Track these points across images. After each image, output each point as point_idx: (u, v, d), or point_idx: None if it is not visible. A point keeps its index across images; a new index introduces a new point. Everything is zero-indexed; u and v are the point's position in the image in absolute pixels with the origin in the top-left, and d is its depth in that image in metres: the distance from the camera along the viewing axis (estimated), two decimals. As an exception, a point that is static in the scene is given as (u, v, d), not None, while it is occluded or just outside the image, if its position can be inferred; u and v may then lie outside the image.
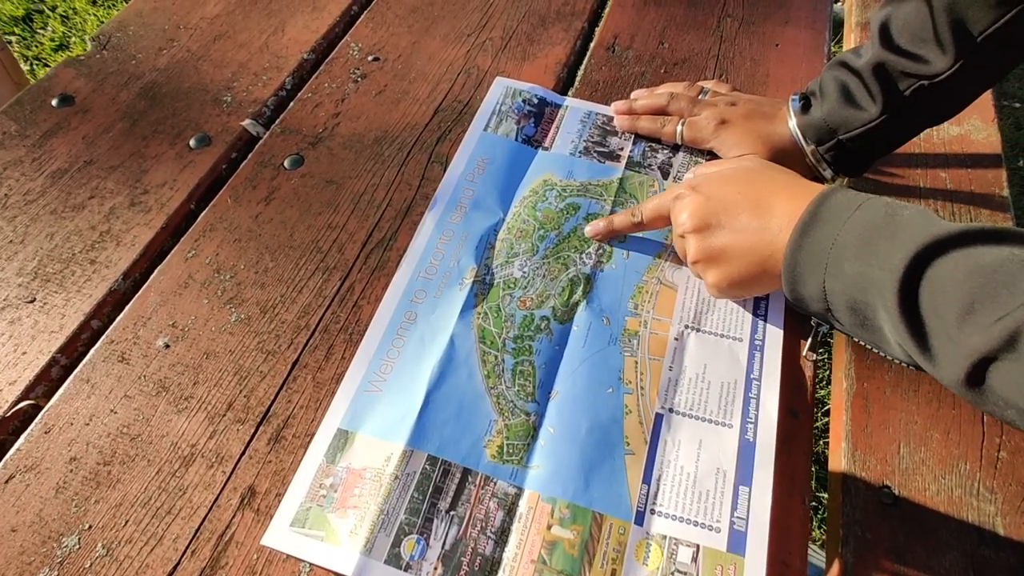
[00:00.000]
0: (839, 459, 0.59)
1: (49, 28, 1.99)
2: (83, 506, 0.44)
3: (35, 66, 1.88)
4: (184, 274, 0.55)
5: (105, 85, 0.68)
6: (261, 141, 0.64)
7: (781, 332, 0.53)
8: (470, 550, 0.43)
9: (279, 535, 0.43)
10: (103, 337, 0.51)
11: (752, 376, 0.51)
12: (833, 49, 0.79)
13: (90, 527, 0.43)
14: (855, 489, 0.56)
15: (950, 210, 0.79)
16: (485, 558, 0.43)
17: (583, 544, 0.43)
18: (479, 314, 0.53)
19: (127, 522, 0.43)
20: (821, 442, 1.18)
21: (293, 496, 0.44)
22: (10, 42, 1.92)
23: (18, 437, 0.47)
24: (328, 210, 0.59)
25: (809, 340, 0.53)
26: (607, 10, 0.80)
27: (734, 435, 0.48)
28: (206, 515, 0.44)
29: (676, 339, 0.52)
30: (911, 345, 0.38)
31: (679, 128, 0.63)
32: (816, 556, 0.93)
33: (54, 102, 0.66)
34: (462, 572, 0.42)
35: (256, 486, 0.45)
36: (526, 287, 0.55)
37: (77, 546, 0.42)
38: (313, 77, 0.70)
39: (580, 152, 0.64)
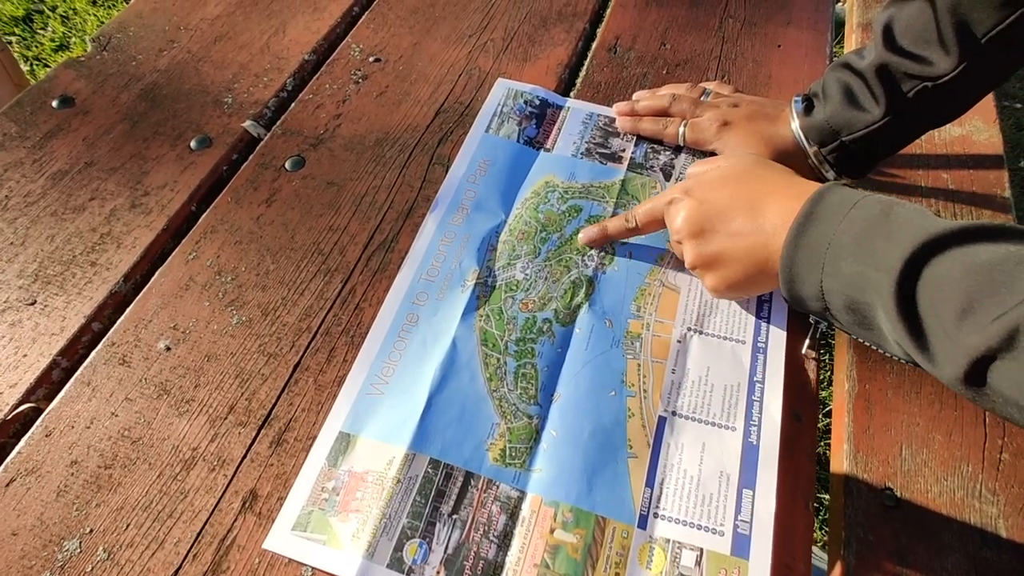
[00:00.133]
0: (841, 461, 0.59)
1: (49, 28, 1.98)
2: (84, 510, 0.44)
3: (35, 66, 1.88)
4: (185, 276, 0.54)
5: (105, 86, 0.68)
6: (262, 142, 0.64)
7: (784, 334, 0.53)
8: (473, 554, 0.43)
9: (281, 539, 0.43)
10: (104, 339, 0.51)
11: (755, 379, 0.50)
12: (834, 50, 0.78)
13: (91, 531, 0.43)
14: (857, 491, 0.56)
15: (952, 211, 0.79)
16: (488, 562, 0.43)
17: (586, 548, 0.43)
18: (481, 316, 0.53)
19: (128, 526, 0.43)
20: (822, 443, 1.18)
21: (295, 500, 0.44)
22: (10, 42, 1.92)
23: (19, 440, 0.47)
24: (329, 212, 0.59)
25: (808, 337, 0.53)
26: (609, 11, 0.80)
27: (737, 438, 0.48)
28: (207, 519, 0.44)
29: (679, 341, 0.52)
30: (909, 344, 0.38)
31: (681, 130, 0.63)
32: (818, 558, 0.93)
33: (54, 103, 0.66)
34: (465, 576, 0.42)
35: (258, 490, 0.45)
36: (528, 289, 0.54)
37: (78, 550, 0.42)
38: (314, 78, 0.70)
39: (582, 154, 0.64)
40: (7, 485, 0.45)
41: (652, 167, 0.63)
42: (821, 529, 1.13)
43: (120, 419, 0.47)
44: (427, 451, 0.46)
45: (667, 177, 0.62)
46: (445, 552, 0.43)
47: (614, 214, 0.59)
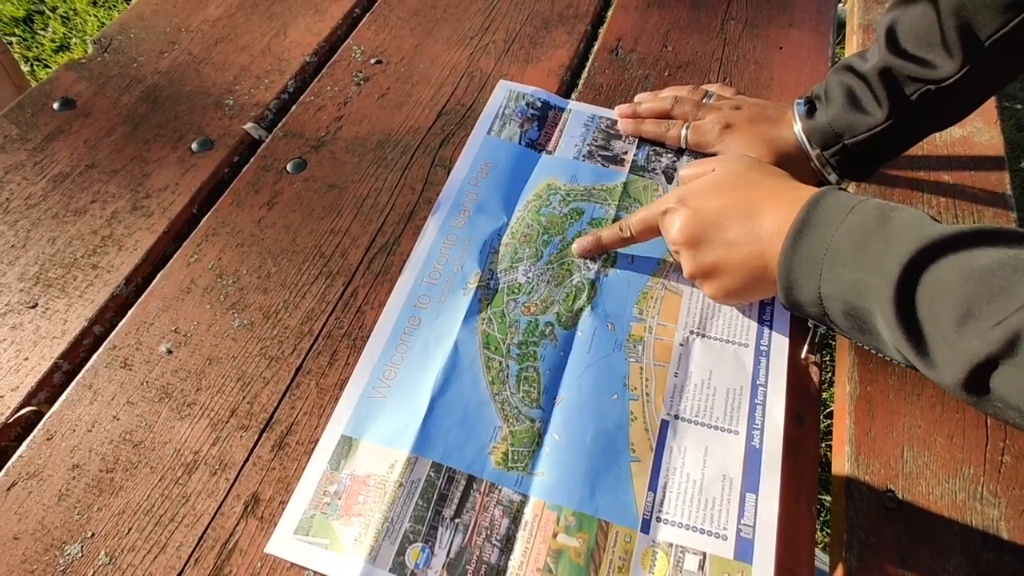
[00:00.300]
0: (842, 463, 0.59)
1: (50, 29, 1.98)
2: (86, 513, 0.44)
3: (35, 67, 1.88)
4: (186, 279, 0.54)
5: (106, 88, 0.67)
6: (263, 145, 0.64)
7: (787, 338, 0.53)
8: (475, 558, 0.43)
9: (283, 543, 0.43)
10: (105, 343, 0.51)
11: (758, 382, 0.50)
12: (836, 51, 0.78)
13: (93, 535, 0.43)
14: (859, 493, 0.56)
15: (953, 212, 0.79)
16: (490, 566, 0.42)
17: (589, 552, 0.43)
18: (483, 319, 0.53)
19: (130, 530, 0.43)
20: (823, 445, 1.18)
21: (297, 503, 0.44)
22: (11, 43, 1.92)
23: (20, 444, 0.46)
24: (331, 214, 0.59)
25: (807, 342, 0.53)
26: (610, 13, 0.80)
27: (740, 442, 0.48)
28: (209, 523, 0.44)
29: (681, 345, 0.52)
30: (909, 350, 0.38)
31: (683, 132, 0.63)
32: (819, 560, 0.93)
33: (55, 105, 0.65)
34: (467, 580, 0.42)
35: (260, 493, 0.45)
36: (530, 292, 0.54)
37: (80, 554, 0.42)
38: (315, 80, 0.70)
39: (584, 156, 0.64)
40: (8, 489, 0.44)
41: (654, 170, 0.63)
42: (822, 531, 1.13)
43: (122, 422, 0.47)
44: (429, 455, 0.46)
45: (669, 180, 0.62)
46: (447, 556, 0.43)
47: (616, 217, 0.59)
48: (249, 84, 0.69)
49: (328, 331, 0.52)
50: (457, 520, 0.44)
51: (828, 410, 1.08)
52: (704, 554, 0.43)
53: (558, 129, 0.66)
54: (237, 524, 0.44)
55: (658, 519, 0.44)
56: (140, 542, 0.43)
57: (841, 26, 1.10)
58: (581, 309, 0.54)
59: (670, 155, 0.64)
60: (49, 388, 0.49)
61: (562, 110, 0.68)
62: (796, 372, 0.52)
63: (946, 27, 0.50)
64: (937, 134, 0.78)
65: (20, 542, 0.43)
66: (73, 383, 0.49)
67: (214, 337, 0.51)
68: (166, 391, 0.49)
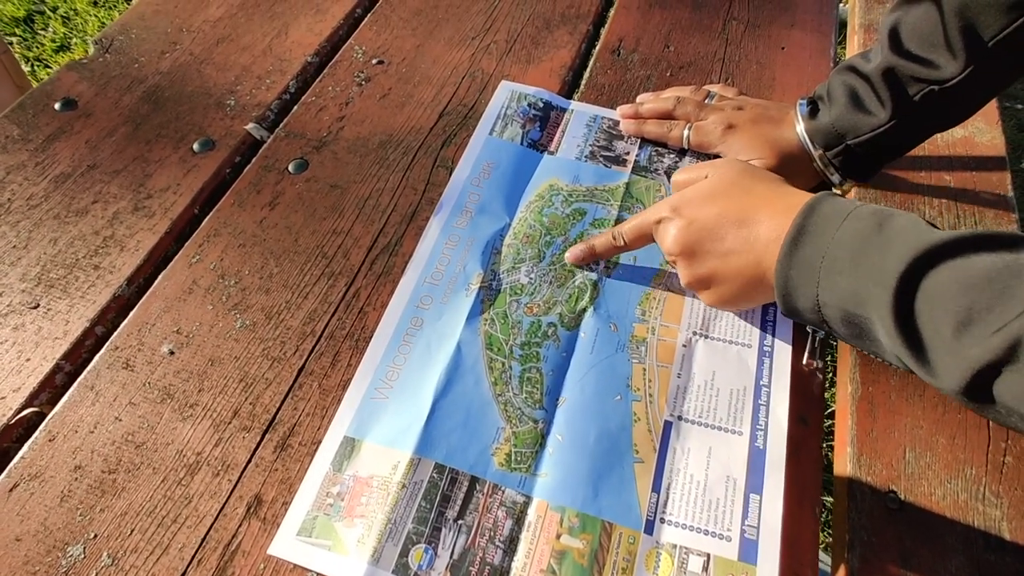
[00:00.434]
0: (844, 463, 0.59)
1: (50, 29, 1.98)
2: (88, 515, 0.44)
3: (36, 67, 1.88)
4: (188, 280, 0.54)
5: (108, 89, 0.67)
6: (265, 145, 0.64)
7: (790, 338, 0.53)
8: (479, 559, 0.43)
9: (286, 544, 0.43)
10: (107, 343, 0.51)
11: (761, 383, 0.50)
12: (837, 51, 0.78)
13: (95, 536, 0.43)
14: (860, 494, 0.56)
15: (955, 213, 0.79)
16: (494, 568, 0.42)
17: (592, 554, 0.43)
18: (486, 320, 0.53)
19: (132, 531, 0.43)
20: (824, 445, 1.18)
21: (300, 505, 0.44)
22: (11, 43, 1.91)
23: (22, 445, 0.46)
24: (333, 215, 0.59)
25: (808, 347, 0.53)
26: (612, 13, 0.80)
27: (744, 442, 0.47)
28: (212, 524, 0.44)
29: (684, 346, 0.52)
30: (909, 357, 0.38)
31: (686, 132, 0.63)
32: (821, 561, 0.92)
33: (57, 106, 0.65)
34: (471, 582, 0.42)
35: (262, 495, 0.45)
36: (533, 293, 0.54)
37: (82, 556, 0.42)
38: (317, 80, 0.70)
39: (586, 157, 0.64)
40: (10, 490, 0.44)
41: (656, 170, 0.63)
42: (824, 532, 1.13)
43: (124, 423, 0.47)
44: (432, 456, 0.46)
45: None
46: (451, 558, 0.43)
47: (619, 218, 0.59)
48: (251, 84, 0.69)
49: (330, 332, 0.52)
50: (460, 521, 0.44)
51: (829, 410, 1.08)
52: (708, 555, 0.43)
53: (560, 130, 0.66)
54: (240, 525, 0.44)
55: (662, 520, 0.44)
56: (143, 543, 0.43)
57: (842, 26, 1.10)
58: (584, 310, 0.54)
59: (672, 155, 0.64)
60: (51, 389, 0.49)
61: (564, 110, 0.67)
62: (799, 373, 0.52)
63: (949, 27, 0.50)
64: (938, 135, 0.78)
65: (22, 543, 0.42)
66: (75, 384, 0.49)
67: (216, 338, 0.51)
68: (168, 392, 0.49)
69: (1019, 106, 1.85)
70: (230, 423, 0.47)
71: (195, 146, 0.63)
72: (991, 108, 0.89)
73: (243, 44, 0.73)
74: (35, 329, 0.51)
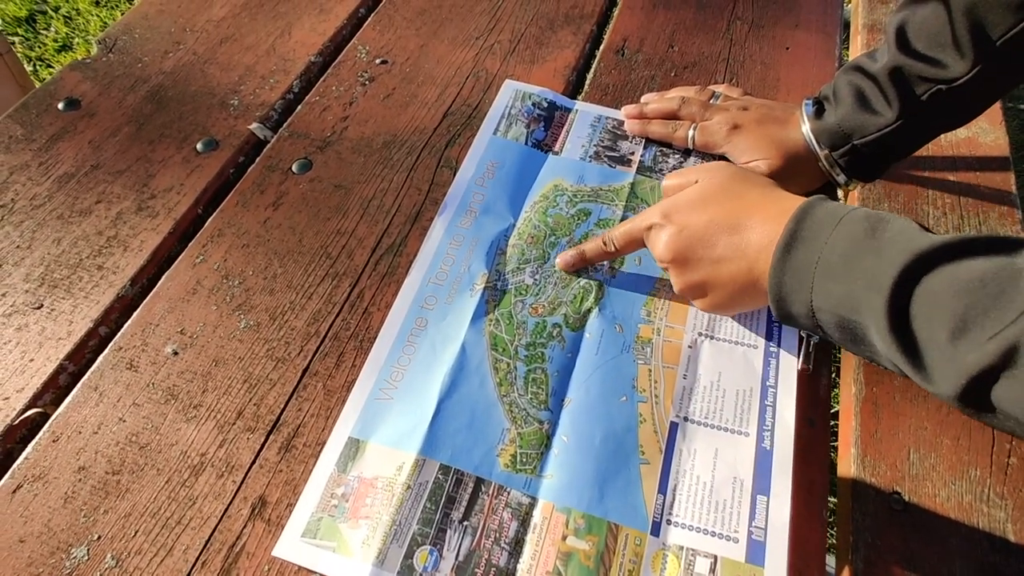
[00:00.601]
0: (848, 465, 0.59)
1: (52, 29, 1.98)
2: (92, 516, 0.43)
3: (38, 67, 1.88)
4: (192, 280, 0.54)
5: (111, 88, 0.67)
6: (269, 145, 0.64)
7: (796, 339, 0.53)
8: (484, 561, 0.42)
9: (290, 546, 0.43)
10: (111, 344, 0.51)
11: (768, 383, 0.50)
12: (842, 51, 0.78)
13: (99, 537, 0.43)
14: (865, 495, 0.56)
15: (959, 213, 0.79)
16: (499, 569, 0.42)
17: (599, 555, 0.43)
18: (491, 321, 0.52)
19: (136, 532, 0.43)
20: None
21: (304, 506, 0.44)
22: (13, 43, 1.91)
23: (26, 446, 0.46)
24: (337, 215, 0.59)
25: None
26: (616, 13, 0.80)
27: (751, 443, 0.47)
28: (216, 525, 0.43)
29: (690, 347, 0.52)
30: (904, 362, 0.38)
31: (691, 133, 0.62)
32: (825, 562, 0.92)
33: (60, 106, 0.65)
34: (476, 584, 0.42)
35: (267, 496, 0.45)
36: (538, 294, 0.54)
37: (86, 557, 0.42)
38: (320, 80, 0.69)
39: (591, 157, 0.64)
40: (14, 491, 0.44)
41: (661, 170, 0.63)
42: (828, 533, 1.13)
43: (128, 424, 0.47)
44: (437, 457, 0.46)
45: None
46: (456, 559, 0.42)
47: (623, 218, 0.59)
48: (254, 84, 0.69)
49: (335, 332, 0.52)
50: (465, 523, 0.44)
51: (833, 411, 1.08)
52: (715, 557, 0.43)
53: (564, 130, 0.66)
54: (244, 527, 0.43)
55: (668, 522, 0.44)
56: (147, 545, 0.42)
57: (845, 26, 1.10)
58: (589, 311, 0.53)
59: (677, 156, 0.64)
60: (55, 390, 0.49)
61: (568, 110, 0.67)
62: (806, 374, 0.52)
63: (957, 27, 0.50)
64: (942, 135, 0.78)
65: (26, 545, 0.42)
66: (79, 385, 0.49)
67: (220, 338, 0.51)
68: (172, 393, 0.49)
69: (1022, 106, 1.85)
70: (234, 424, 0.47)
71: (199, 146, 0.63)
72: (995, 109, 0.89)
73: (247, 44, 0.73)
74: (39, 329, 0.51)
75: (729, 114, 0.61)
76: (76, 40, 1.96)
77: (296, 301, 0.53)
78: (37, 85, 0.81)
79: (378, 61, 0.71)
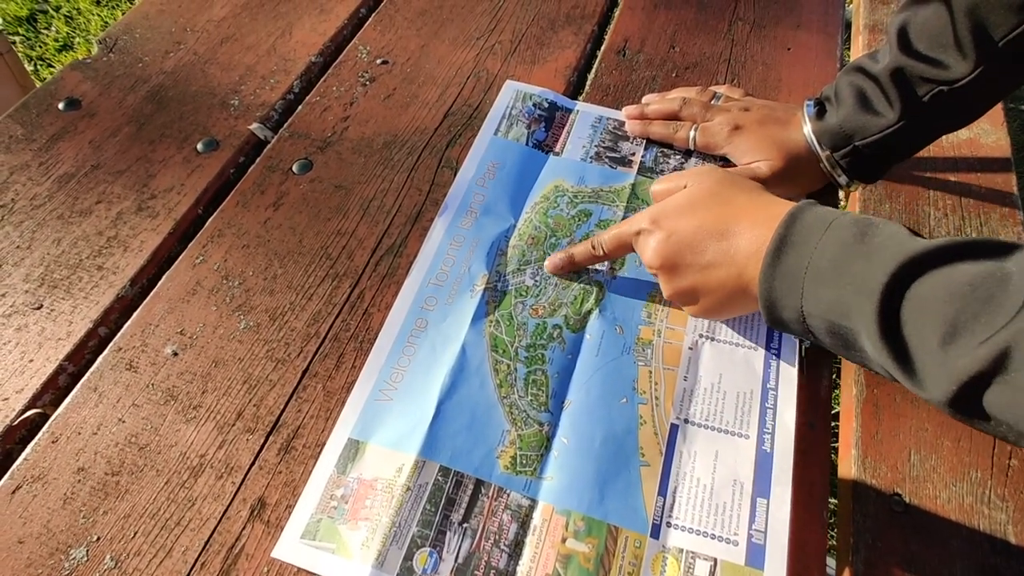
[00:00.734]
0: (849, 466, 0.58)
1: (53, 28, 1.98)
2: (91, 517, 0.43)
3: (39, 66, 1.88)
4: (192, 280, 0.54)
5: (112, 88, 0.67)
6: (269, 145, 0.64)
7: (797, 341, 0.52)
8: (483, 563, 0.42)
9: (289, 548, 0.42)
10: (111, 344, 0.51)
11: (768, 386, 0.50)
12: (843, 52, 0.78)
13: (98, 539, 0.43)
14: (865, 497, 0.55)
15: (960, 214, 0.79)
16: (499, 572, 0.42)
17: (598, 558, 0.43)
18: (491, 322, 0.52)
19: (136, 534, 0.43)
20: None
21: (304, 508, 0.44)
22: (14, 42, 1.91)
23: (25, 446, 0.46)
24: (337, 216, 0.59)
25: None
26: (617, 13, 0.80)
27: (751, 446, 0.47)
28: (215, 527, 0.43)
29: (690, 348, 0.52)
30: (895, 367, 0.38)
31: (692, 134, 0.62)
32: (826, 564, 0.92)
33: (60, 106, 0.65)
34: (476, 586, 0.42)
35: (266, 497, 0.45)
36: (538, 295, 0.54)
37: (85, 558, 0.42)
38: (321, 80, 0.69)
39: (591, 157, 0.63)
40: (13, 492, 0.44)
41: (662, 171, 0.63)
42: (828, 534, 1.13)
43: (127, 425, 0.47)
44: (437, 458, 0.46)
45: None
46: (456, 561, 0.42)
47: (624, 218, 0.59)
48: (255, 84, 0.69)
49: (335, 333, 0.52)
50: (465, 525, 0.44)
51: (834, 412, 1.08)
52: (715, 560, 0.43)
53: (565, 130, 0.66)
54: (243, 528, 0.43)
55: (668, 524, 0.44)
56: (146, 546, 0.42)
57: (847, 26, 1.10)
58: (589, 312, 0.53)
59: (678, 156, 0.64)
60: (54, 390, 0.49)
61: (569, 111, 0.67)
62: (807, 376, 0.52)
63: (959, 27, 0.50)
64: (944, 136, 0.78)
65: (25, 546, 0.42)
66: (78, 385, 0.49)
67: (220, 339, 0.51)
68: (172, 394, 0.48)
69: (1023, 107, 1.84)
70: (234, 425, 0.47)
71: (199, 146, 0.63)
72: (996, 110, 0.89)
73: (247, 44, 0.72)
74: (38, 330, 0.51)
75: (730, 115, 0.61)
76: (77, 40, 1.96)
77: (296, 302, 0.53)
78: (38, 85, 0.81)
79: (379, 61, 0.71)
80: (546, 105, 0.67)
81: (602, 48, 0.75)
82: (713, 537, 0.44)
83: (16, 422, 0.47)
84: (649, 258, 0.49)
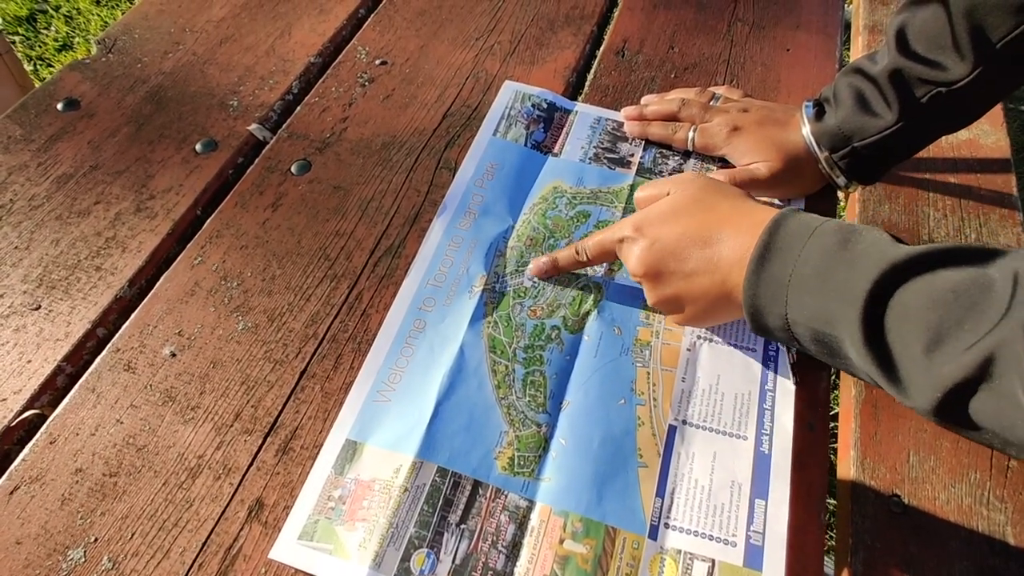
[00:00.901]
0: (848, 467, 0.58)
1: (53, 28, 1.98)
2: (89, 518, 0.43)
3: (39, 66, 1.88)
4: (190, 281, 0.54)
5: (111, 89, 0.67)
6: (268, 146, 0.64)
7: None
8: (481, 564, 0.42)
9: (287, 549, 0.42)
10: (109, 345, 0.51)
11: (767, 387, 0.50)
12: (843, 53, 0.78)
13: (96, 540, 0.43)
14: (864, 498, 0.55)
15: (959, 215, 0.79)
16: (496, 573, 0.42)
17: (596, 559, 0.43)
18: (489, 323, 0.52)
19: (133, 535, 0.43)
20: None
21: (301, 509, 0.44)
22: (14, 42, 1.91)
23: (23, 447, 0.46)
24: (336, 217, 0.59)
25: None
26: (616, 14, 0.79)
27: (749, 447, 0.47)
28: (213, 528, 0.43)
29: (688, 349, 0.52)
30: (880, 375, 0.38)
31: (691, 135, 0.62)
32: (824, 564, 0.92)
33: (59, 106, 0.65)
34: (473, 587, 0.42)
35: (264, 498, 0.45)
36: (536, 296, 0.54)
37: (83, 559, 0.42)
38: (320, 81, 0.69)
39: (590, 158, 0.63)
40: (11, 493, 0.44)
41: (661, 172, 0.63)
42: (827, 535, 1.13)
43: (125, 426, 0.47)
44: (435, 459, 0.46)
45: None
46: (453, 562, 0.42)
47: (623, 219, 0.59)
48: (253, 85, 0.69)
49: (333, 334, 0.52)
50: (463, 526, 0.44)
51: (832, 412, 1.08)
52: (713, 561, 0.43)
53: (564, 131, 0.66)
54: (241, 529, 0.43)
55: (666, 525, 0.44)
56: (143, 547, 0.42)
57: (846, 27, 1.10)
58: (587, 313, 0.53)
59: (677, 157, 0.64)
60: (52, 391, 0.49)
61: (568, 112, 0.67)
62: (805, 377, 0.52)
63: (957, 29, 0.50)
64: (943, 137, 0.78)
65: (23, 547, 0.42)
66: (76, 386, 0.49)
67: (218, 340, 0.51)
68: (170, 394, 0.48)
69: (1023, 108, 1.84)
70: (232, 426, 0.47)
71: (198, 147, 0.63)
72: (996, 110, 0.88)
73: (246, 44, 0.72)
74: (36, 331, 0.51)
75: (729, 116, 0.61)
76: (77, 40, 1.96)
77: (294, 303, 0.53)
78: (37, 85, 0.81)
79: (378, 62, 0.71)
80: (545, 106, 0.67)
81: (601, 49, 0.75)
82: (711, 538, 0.44)
83: (14, 423, 0.47)
84: (633, 266, 0.49)
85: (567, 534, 0.44)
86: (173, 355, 0.50)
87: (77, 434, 0.47)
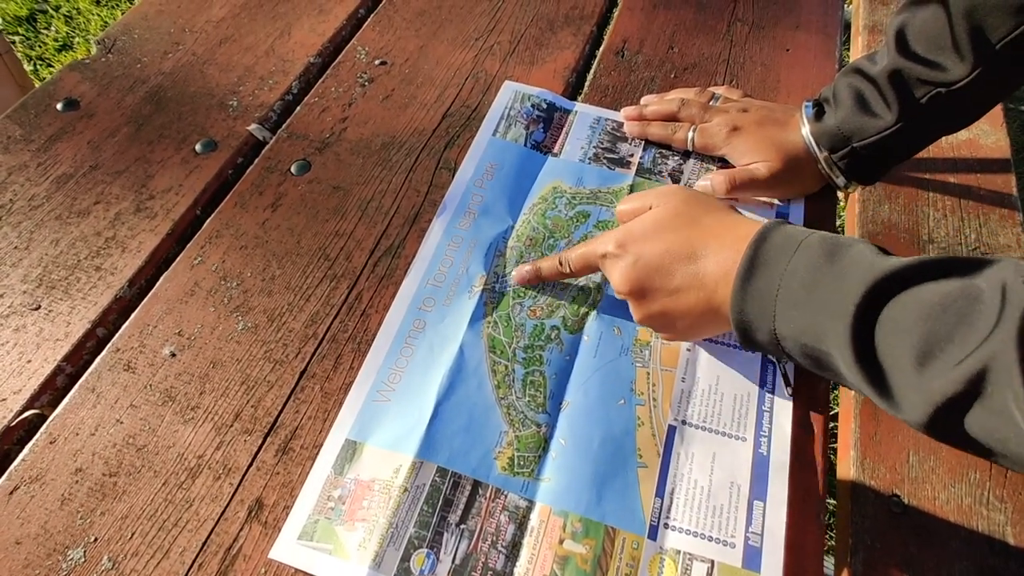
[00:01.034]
0: (848, 467, 0.59)
1: (53, 28, 1.98)
2: (89, 518, 0.43)
3: (39, 66, 1.88)
4: (190, 281, 0.54)
5: (110, 89, 0.67)
6: (267, 146, 0.64)
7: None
8: (481, 564, 0.42)
9: (287, 549, 0.42)
10: (109, 345, 0.51)
11: (766, 388, 0.50)
12: (842, 53, 0.78)
13: (96, 540, 0.43)
14: (864, 498, 0.56)
15: (959, 215, 0.79)
16: (496, 573, 0.42)
17: (596, 559, 0.43)
18: (489, 323, 0.52)
19: (133, 535, 0.43)
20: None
21: (301, 509, 0.44)
22: (14, 42, 1.91)
23: (23, 447, 0.46)
24: (335, 217, 0.59)
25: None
26: (616, 14, 0.80)
27: (748, 448, 0.47)
28: (213, 528, 0.43)
29: (688, 350, 0.52)
30: (870, 390, 0.37)
31: (690, 135, 0.62)
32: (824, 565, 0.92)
33: (59, 106, 0.65)
34: (473, 587, 0.42)
35: (264, 498, 0.45)
36: (536, 296, 0.54)
37: (83, 559, 0.42)
38: (319, 81, 0.69)
39: (590, 159, 0.63)
40: (11, 493, 0.44)
41: (661, 172, 0.63)
42: (827, 535, 1.13)
43: (125, 426, 0.47)
44: (434, 459, 0.46)
45: (676, 182, 0.62)
46: (453, 562, 0.42)
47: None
48: (253, 85, 0.69)
49: (332, 334, 0.52)
50: (462, 526, 0.44)
51: (833, 412, 1.08)
52: (712, 562, 0.43)
53: (564, 131, 0.66)
54: (241, 529, 0.43)
55: (666, 526, 0.44)
56: (143, 547, 0.42)
57: (846, 27, 1.10)
58: (587, 313, 0.53)
59: (677, 158, 0.64)
60: (52, 391, 0.49)
61: (568, 112, 0.67)
62: (804, 379, 0.52)
63: (957, 30, 0.50)
64: (943, 137, 0.78)
65: (23, 547, 0.42)
66: (76, 386, 0.49)
67: (218, 340, 0.51)
68: (169, 394, 0.48)
69: (1023, 108, 1.84)
70: (231, 426, 0.47)
71: (197, 147, 0.63)
72: (996, 110, 0.89)
73: (246, 44, 0.72)
74: (36, 331, 0.51)
75: (729, 116, 0.61)
76: (77, 40, 1.96)
77: (294, 303, 0.53)
78: (37, 85, 0.81)
79: (377, 62, 0.71)
80: (544, 106, 0.67)
81: (601, 49, 0.75)
82: (710, 539, 0.44)
83: (14, 423, 0.47)
84: (617, 283, 0.48)
85: (567, 534, 0.44)
86: (173, 355, 0.50)
87: (77, 434, 0.47)
